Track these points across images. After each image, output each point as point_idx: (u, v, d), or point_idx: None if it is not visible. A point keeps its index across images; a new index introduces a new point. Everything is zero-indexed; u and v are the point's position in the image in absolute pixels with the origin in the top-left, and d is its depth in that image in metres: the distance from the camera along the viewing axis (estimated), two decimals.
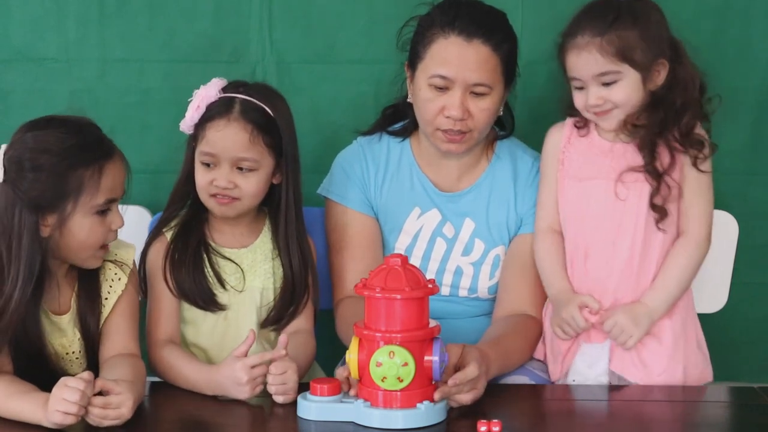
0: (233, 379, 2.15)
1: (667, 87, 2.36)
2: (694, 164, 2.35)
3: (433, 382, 2.07)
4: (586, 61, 2.32)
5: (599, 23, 2.30)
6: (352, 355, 2.05)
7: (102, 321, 2.24)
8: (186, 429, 2.13)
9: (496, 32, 2.40)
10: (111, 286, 2.25)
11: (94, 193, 2.13)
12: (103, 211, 2.16)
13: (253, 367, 2.15)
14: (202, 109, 2.31)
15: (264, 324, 2.40)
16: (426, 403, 2.03)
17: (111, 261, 2.26)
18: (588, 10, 2.36)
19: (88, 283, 2.24)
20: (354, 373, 2.06)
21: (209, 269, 2.36)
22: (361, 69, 2.86)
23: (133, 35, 2.89)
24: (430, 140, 2.49)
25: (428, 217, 2.54)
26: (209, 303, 2.36)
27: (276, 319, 2.39)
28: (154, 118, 2.87)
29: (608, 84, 2.32)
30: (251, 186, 2.32)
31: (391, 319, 2.03)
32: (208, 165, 2.32)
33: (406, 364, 2.01)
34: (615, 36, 2.29)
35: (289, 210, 2.37)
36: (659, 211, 2.35)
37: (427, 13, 2.46)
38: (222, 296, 2.37)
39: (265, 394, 2.17)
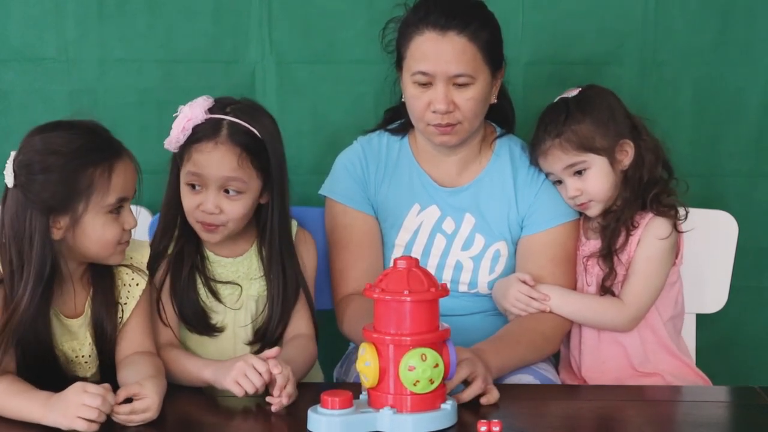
0: (232, 363, 2.14)
1: (634, 165, 2.47)
2: (674, 226, 2.45)
3: (446, 381, 2.05)
4: (553, 160, 2.47)
5: (554, 126, 2.45)
6: (370, 363, 2.00)
7: (120, 326, 2.24)
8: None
9: (471, 21, 2.41)
10: (129, 291, 2.25)
11: (105, 192, 2.11)
12: (115, 210, 2.15)
13: (254, 367, 2.13)
14: (188, 131, 2.27)
15: (253, 340, 2.39)
16: (450, 402, 2.02)
17: (127, 266, 2.25)
18: (543, 116, 2.50)
19: (103, 287, 2.23)
20: (372, 382, 2.01)
21: (205, 292, 2.36)
22: (361, 69, 2.86)
23: (132, 35, 2.89)
24: (424, 136, 2.51)
25: (428, 214, 2.55)
26: (206, 329, 2.37)
27: (262, 336, 2.38)
28: (153, 118, 2.86)
29: (580, 173, 2.46)
30: (237, 210, 2.29)
31: (421, 322, 2.00)
32: (194, 186, 2.29)
33: (437, 366, 1.99)
34: (570, 133, 2.43)
35: (273, 234, 2.34)
36: (607, 291, 2.48)
37: (403, 13, 2.48)
38: (218, 315, 2.38)
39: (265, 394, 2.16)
